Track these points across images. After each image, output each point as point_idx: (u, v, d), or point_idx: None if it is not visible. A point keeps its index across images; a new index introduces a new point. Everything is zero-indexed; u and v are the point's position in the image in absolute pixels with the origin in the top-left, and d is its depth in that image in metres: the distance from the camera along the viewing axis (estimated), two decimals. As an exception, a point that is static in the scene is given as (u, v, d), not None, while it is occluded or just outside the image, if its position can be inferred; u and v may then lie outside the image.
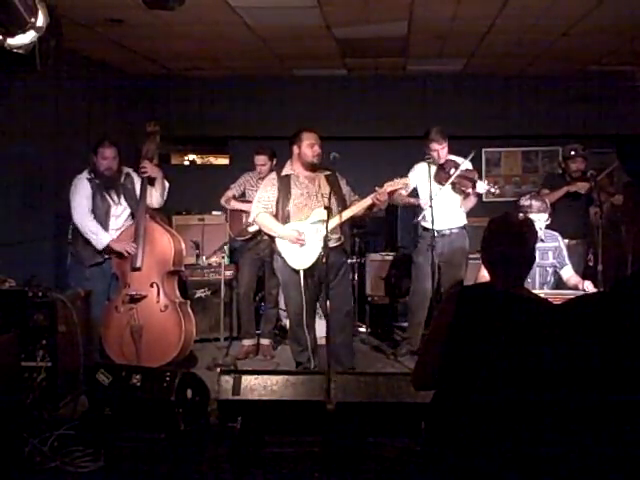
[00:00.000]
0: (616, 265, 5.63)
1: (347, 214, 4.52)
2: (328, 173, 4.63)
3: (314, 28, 5.15)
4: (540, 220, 4.27)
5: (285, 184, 4.58)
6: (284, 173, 4.64)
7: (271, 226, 4.61)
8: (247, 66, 6.70)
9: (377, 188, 4.46)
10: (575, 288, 4.30)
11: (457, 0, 4.46)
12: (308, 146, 4.53)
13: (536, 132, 7.24)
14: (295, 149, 4.59)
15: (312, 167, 4.56)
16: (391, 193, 4.51)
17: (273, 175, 4.73)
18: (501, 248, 2.31)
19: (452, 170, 5.11)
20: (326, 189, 4.52)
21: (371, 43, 5.71)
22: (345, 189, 4.72)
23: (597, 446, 1.88)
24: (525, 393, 2.09)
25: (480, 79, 7.12)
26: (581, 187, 5.44)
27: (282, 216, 4.56)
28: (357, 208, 4.53)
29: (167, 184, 5.11)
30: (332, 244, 4.40)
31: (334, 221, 4.39)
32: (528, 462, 2.06)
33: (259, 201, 4.67)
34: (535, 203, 4.38)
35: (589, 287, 4.23)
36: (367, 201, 4.49)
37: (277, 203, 4.58)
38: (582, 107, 6.99)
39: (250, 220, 4.95)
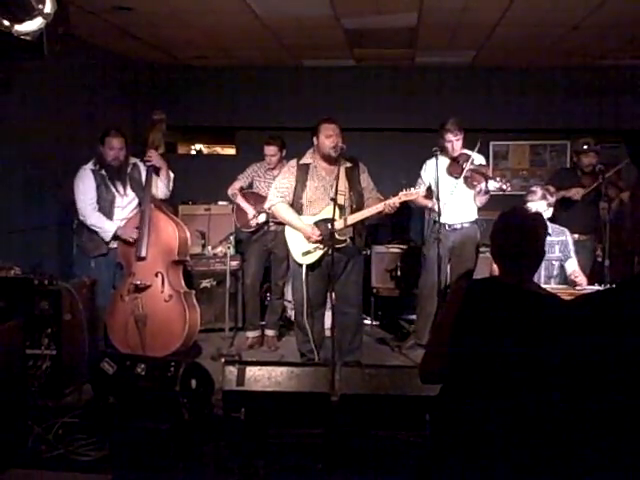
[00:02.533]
0: (623, 261, 5.58)
1: (352, 219, 4.42)
2: (349, 165, 4.56)
3: (323, 18, 5.10)
4: (537, 208, 4.21)
5: (303, 174, 4.53)
6: (303, 161, 4.58)
7: (287, 217, 4.56)
8: (255, 56, 6.66)
9: (391, 196, 4.36)
10: (574, 282, 4.27)
11: (468, -9, 4.43)
12: (326, 137, 4.45)
13: (545, 126, 7.19)
14: (315, 140, 4.53)
15: (330, 159, 4.48)
16: (404, 202, 4.41)
17: (293, 163, 4.65)
18: (511, 242, 2.29)
19: (465, 164, 5.07)
20: (343, 184, 4.42)
21: (380, 34, 5.67)
22: (365, 183, 4.61)
23: (605, 443, 1.86)
24: (532, 388, 2.08)
25: (489, 72, 7.07)
26: (574, 193, 5.38)
27: (295, 207, 4.54)
28: (364, 214, 4.43)
29: (172, 175, 5.09)
30: (337, 245, 4.30)
31: (339, 224, 4.35)
32: (535, 456, 2.05)
33: (276, 189, 4.62)
34: (533, 189, 4.42)
35: (583, 283, 4.21)
36: (377, 208, 4.38)
37: (294, 192, 4.54)
38: (592, 101, 6.93)
39: (266, 207, 4.87)
